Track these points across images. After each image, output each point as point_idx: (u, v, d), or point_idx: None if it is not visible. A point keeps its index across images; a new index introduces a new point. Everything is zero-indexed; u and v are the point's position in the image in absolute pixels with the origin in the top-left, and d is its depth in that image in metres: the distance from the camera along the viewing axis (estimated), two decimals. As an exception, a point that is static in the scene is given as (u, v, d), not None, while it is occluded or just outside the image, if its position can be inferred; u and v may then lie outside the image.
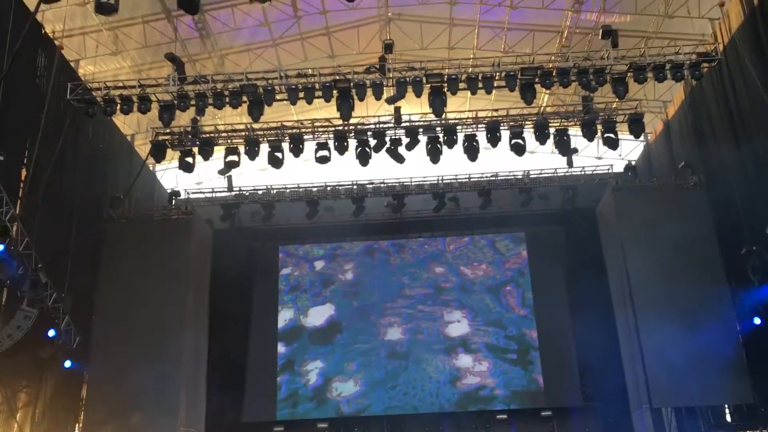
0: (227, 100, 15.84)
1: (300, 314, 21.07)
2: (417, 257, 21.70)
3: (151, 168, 21.36)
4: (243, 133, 17.64)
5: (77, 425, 16.48)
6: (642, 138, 20.60)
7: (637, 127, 17.21)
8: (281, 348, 20.65)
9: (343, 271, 21.56)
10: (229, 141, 17.80)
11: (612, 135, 16.99)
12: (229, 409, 19.23)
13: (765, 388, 15.68)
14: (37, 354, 14.87)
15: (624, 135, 18.39)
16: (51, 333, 14.88)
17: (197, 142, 17.40)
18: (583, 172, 20.19)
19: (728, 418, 17.15)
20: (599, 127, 17.18)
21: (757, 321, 15.86)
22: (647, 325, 16.52)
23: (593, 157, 23.60)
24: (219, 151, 18.10)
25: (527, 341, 20.46)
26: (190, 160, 17.44)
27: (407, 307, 20.96)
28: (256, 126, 17.27)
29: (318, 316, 21.05)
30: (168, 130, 17.21)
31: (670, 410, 17.03)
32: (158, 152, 17.42)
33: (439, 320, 20.82)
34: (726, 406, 17.05)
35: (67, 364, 15.47)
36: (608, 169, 20.16)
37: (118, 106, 15.79)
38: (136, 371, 15.90)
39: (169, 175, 22.90)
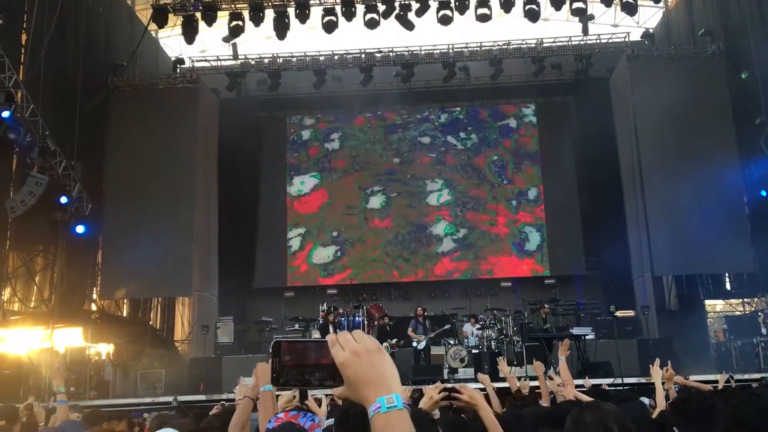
0: (229, -40, 15.23)
1: (287, 184, 21.12)
2: (406, 128, 21.37)
3: (153, 35, 20.79)
4: (247, -3, 17.05)
5: (95, 288, 17.08)
6: (661, 4, 19.78)
7: (657, -9, 16.54)
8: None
9: (330, 140, 21.40)
10: (233, 6, 17.23)
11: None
12: (241, 275, 19.76)
13: (766, 258, 15.95)
14: (51, 220, 15.18)
15: (642, 1, 17.64)
16: (63, 200, 15.12)
17: (200, 7, 16.87)
18: (598, 41, 19.48)
19: (728, 286, 17.56)
20: (618, -9, 16.54)
21: (764, 193, 15.91)
22: (655, 195, 16.59)
23: (609, 24, 22.79)
24: (223, 17, 17.55)
25: (509, 211, 20.57)
26: (193, 25, 16.96)
27: (391, 174, 20.89)
28: (260, -11, 16.68)
29: (304, 185, 21.10)
30: (169, -6, 16.66)
31: (670, 278, 17.43)
32: (160, 17, 16.93)
33: (423, 189, 20.77)
34: (726, 274, 17.41)
35: (80, 229, 15.78)
36: (624, 38, 19.42)
37: (116, -33, 15.21)
38: (148, 237, 16.20)
39: (172, 42, 22.25)
